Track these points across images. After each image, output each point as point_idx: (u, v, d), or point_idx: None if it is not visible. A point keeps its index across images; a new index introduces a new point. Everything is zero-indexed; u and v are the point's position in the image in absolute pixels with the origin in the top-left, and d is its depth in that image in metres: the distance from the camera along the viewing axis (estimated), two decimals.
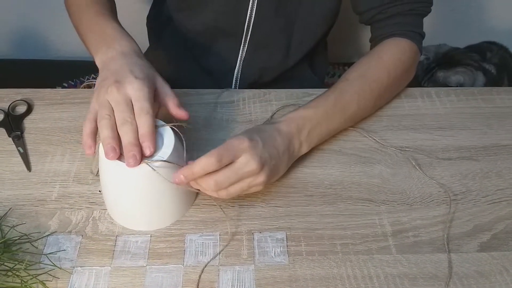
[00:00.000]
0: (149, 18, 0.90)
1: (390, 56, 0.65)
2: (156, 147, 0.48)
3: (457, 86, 1.21)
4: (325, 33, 0.81)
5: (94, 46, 0.58)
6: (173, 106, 0.52)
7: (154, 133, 0.48)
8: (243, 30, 0.73)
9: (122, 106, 0.49)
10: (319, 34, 0.78)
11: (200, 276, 0.48)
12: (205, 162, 0.47)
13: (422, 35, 0.69)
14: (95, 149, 0.49)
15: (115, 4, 0.70)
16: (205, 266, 0.49)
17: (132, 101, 0.49)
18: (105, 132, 0.48)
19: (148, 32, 0.91)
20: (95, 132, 0.50)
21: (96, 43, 0.58)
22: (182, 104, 0.53)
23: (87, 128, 0.50)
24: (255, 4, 0.70)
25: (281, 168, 0.54)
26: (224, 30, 0.74)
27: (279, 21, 0.73)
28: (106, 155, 0.47)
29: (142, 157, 0.47)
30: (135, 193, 0.49)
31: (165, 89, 0.53)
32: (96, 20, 0.61)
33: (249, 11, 0.71)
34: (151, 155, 0.48)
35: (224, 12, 0.72)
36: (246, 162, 0.49)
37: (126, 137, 0.47)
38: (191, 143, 0.55)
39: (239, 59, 0.77)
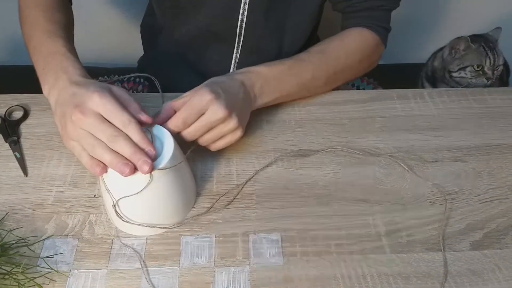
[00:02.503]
0: (143, 26, 0.91)
1: (351, 41, 0.71)
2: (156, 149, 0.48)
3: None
4: (315, 29, 0.84)
5: (42, 73, 0.56)
6: (135, 112, 0.50)
7: (146, 136, 0.47)
8: (236, 34, 0.74)
9: (99, 126, 0.47)
10: (309, 32, 0.80)
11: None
12: (172, 125, 0.52)
13: (387, 29, 0.75)
14: (103, 165, 0.47)
15: (71, 15, 0.69)
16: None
17: (104, 115, 0.47)
18: (106, 157, 0.46)
19: (142, 40, 0.91)
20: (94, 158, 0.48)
21: (44, 70, 0.56)
22: (142, 109, 0.51)
23: (85, 158, 0.48)
24: (246, 8, 0.71)
25: (246, 113, 0.59)
26: (217, 35, 0.75)
27: (270, 24, 0.74)
28: (122, 173, 0.45)
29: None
30: (139, 198, 0.49)
31: (124, 95, 0.51)
32: (46, 43, 0.58)
33: (240, 15, 0.72)
34: (155, 158, 0.47)
35: (216, 17, 0.73)
36: (213, 112, 0.53)
37: (126, 150, 0.46)
38: (186, 144, 0.55)
39: (233, 62, 0.78)
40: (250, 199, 0.56)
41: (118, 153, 0.46)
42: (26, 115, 0.65)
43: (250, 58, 0.77)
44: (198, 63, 0.79)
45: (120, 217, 0.50)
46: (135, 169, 0.46)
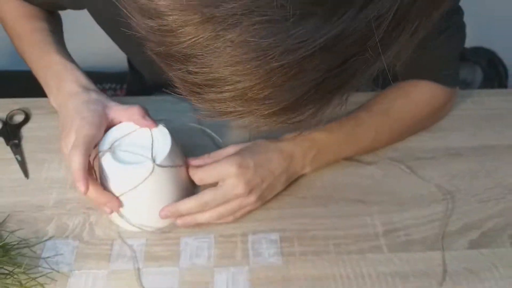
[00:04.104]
0: None
1: (419, 97, 0.62)
2: (156, 149, 0.50)
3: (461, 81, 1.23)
4: None
5: (45, 86, 0.58)
6: (138, 120, 0.51)
7: (81, 169, 0.46)
8: None
9: (70, 163, 0.48)
10: None
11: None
12: (191, 205, 0.51)
13: (458, 73, 0.64)
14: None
15: (57, 20, 0.68)
16: None
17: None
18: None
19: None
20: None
21: (46, 83, 0.57)
22: (147, 114, 0.52)
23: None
24: None
25: (277, 187, 0.55)
26: None
27: None
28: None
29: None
30: (135, 194, 0.50)
31: (122, 111, 0.52)
32: (39, 54, 0.59)
33: None
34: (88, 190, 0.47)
35: None
36: (233, 186, 0.51)
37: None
38: (189, 149, 0.56)
39: None
40: None
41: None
42: (27, 119, 0.66)
43: None
44: None
45: (120, 216, 0.51)
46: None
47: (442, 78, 0.62)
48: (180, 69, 0.29)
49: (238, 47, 0.26)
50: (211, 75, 0.28)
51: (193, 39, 0.26)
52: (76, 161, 0.46)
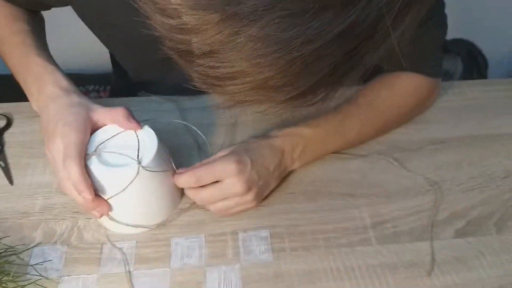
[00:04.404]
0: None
1: (403, 89, 0.63)
2: (143, 151, 0.49)
3: (444, 72, 1.25)
4: None
5: (26, 90, 0.57)
6: (123, 122, 0.50)
7: (82, 179, 0.46)
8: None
9: (53, 165, 0.49)
10: None
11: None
12: (184, 180, 0.51)
13: (441, 65, 0.65)
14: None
15: (39, 21, 0.66)
16: None
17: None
18: (71, 196, 0.48)
19: (110, 56, 0.87)
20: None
21: (27, 86, 0.56)
22: (130, 115, 0.51)
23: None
24: None
25: (271, 184, 0.56)
26: (188, 93, 0.70)
27: None
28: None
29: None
30: (123, 196, 0.49)
31: (105, 113, 0.51)
32: (20, 56, 0.58)
33: None
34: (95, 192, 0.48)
35: (184, 89, 0.70)
36: (232, 185, 0.51)
37: (72, 198, 0.48)
38: (175, 149, 0.55)
39: None
40: None
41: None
42: (9, 124, 0.65)
43: None
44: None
45: (110, 217, 0.50)
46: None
47: (425, 69, 0.63)
48: (200, 65, 0.29)
49: (259, 42, 0.27)
50: (232, 68, 0.28)
51: (214, 36, 0.27)
52: (75, 173, 0.46)
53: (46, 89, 0.53)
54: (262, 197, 0.55)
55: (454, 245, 0.53)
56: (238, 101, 0.32)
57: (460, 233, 0.54)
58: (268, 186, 0.55)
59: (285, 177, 0.59)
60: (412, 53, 0.59)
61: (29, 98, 0.57)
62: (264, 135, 0.57)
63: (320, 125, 0.58)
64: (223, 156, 0.52)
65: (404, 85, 0.63)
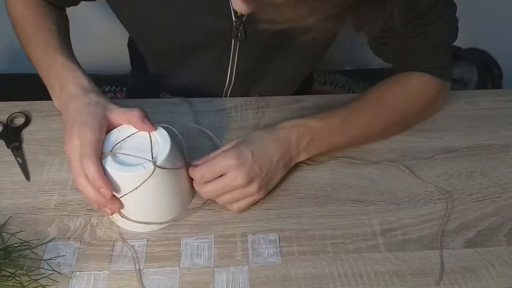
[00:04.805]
0: (129, 45, 0.90)
1: (410, 88, 0.64)
2: (157, 150, 0.50)
3: (459, 79, 1.25)
4: (310, 72, 0.80)
5: (49, 87, 0.58)
6: (137, 123, 0.51)
7: (99, 176, 0.47)
8: (222, 94, 0.74)
9: (71, 160, 0.49)
10: (302, 79, 0.78)
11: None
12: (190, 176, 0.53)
13: (450, 68, 0.66)
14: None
15: (64, 22, 0.69)
16: None
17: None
18: (85, 192, 0.49)
19: (130, 56, 0.90)
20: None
21: (49, 84, 0.58)
22: (145, 117, 0.52)
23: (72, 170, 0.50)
24: (234, 71, 0.70)
25: (276, 175, 0.56)
26: (200, 94, 0.72)
27: (259, 81, 0.74)
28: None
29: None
30: (136, 195, 0.50)
31: (121, 113, 0.52)
32: (44, 54, 0.60)
33: (227, 78, 0.71)
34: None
35: (200, 81, 0.72)
36: (234, 178, 0.52)
37: (87, 193, 0.49)
38: (190, 149, 0.56)
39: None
40: None
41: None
42: (27, 121, 0.67)
43: None
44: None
45: (120, 213, 0.51)
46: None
47: (433, 69, 0.64)
48: None
49: None
50: None
51: None
52: (92, 169, 0.47)
53: (67, 88, 0.55)
54: (268, 188, 0.56)
55: (463, 255, 0.52)
56: (284, 17, 0.34)
57: (470, 243, 0.53)
58: (273, 177, 0.56)
59: (294, 181, 0.59)
60: (420, 50, 0.63)
61: (52, 97, 0.59)
62: (271, 126, 0.58)
63: (327, 118, 0.59)
64: (225, 151, 0.54)
65: (411, 85, 0.64)
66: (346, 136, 0.61)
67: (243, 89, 0.75)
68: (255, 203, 0.56)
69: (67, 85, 0.55)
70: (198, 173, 0.53)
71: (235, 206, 0.54)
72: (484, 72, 1.22)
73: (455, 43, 0.66)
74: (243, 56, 0.68)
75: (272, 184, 0.56)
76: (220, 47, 0.67)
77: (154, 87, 0.79)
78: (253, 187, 0.53)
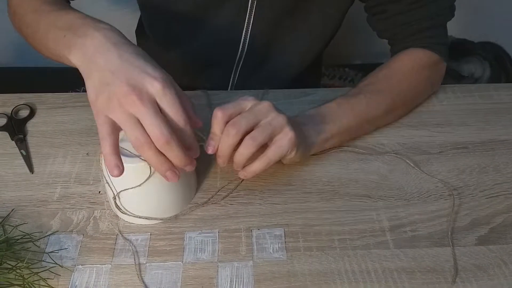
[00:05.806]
0: (137, 31, 0.87)
1: (401, 65, 0.64)
2: None
3: (468, 76, 1.23)
4: (321, 51, 0.79)
5: (63, 43, 0.46)
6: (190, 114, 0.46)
7: (196, 143, 0.46)
8: (235, 61, 0.72)
9: (154, 119, 0.41)
10: (317, 53, 0.77)
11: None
12: (234, 125, 0.49)
13: (445, 44, 0.66)
14: (122, 167, 0.44)
15: None
16: None
17: (162, 107, 0.42)
18: (154, 160, 0.43)
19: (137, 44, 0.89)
20: (117, 146, 0.44)
21: (65, 39, 0.46)
22: (195, 110, 0.48)
23: (107, 147, 0.43)
24: (248, 35, 0.68)
25: (304, 143, 0.54)
26: (213, 60, 0.70)
27: (273, 50, 0.72)
28: (168, 180, 0.45)
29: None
30: (142, 188, 0.49)
31: (182, 92, 0.45)
32: (56, 18, 0.50)
33: (241, 43, 0.69)
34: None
35: (213, 45, 0.70)
36: (274, 118, 0.49)
37: (177, 160, 0.44)
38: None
39: (230, 84, 0.77)
40: (254, 195, 0.56)
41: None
42: (32, 113, 0.66)
43: (248, 81, 0.75)
44: (192, 82, 0.72)
45: (119, 209, 0.50)
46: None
47: (429, 43, 0.64)
48: None
49: None
50: None
51: None
52: (189, 132, 0.44)
53: (99, 29, 0.45)
54: (299, 151, 0.53)
55: (475, 252, 0.51)
56: None
57: (482, 241, 0.52)
58: (303, 141, 0.54)
59: (301, 175, 0.58)
60: (416, 20, 0.64)
61: (68, 50, 0.46)
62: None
63: (322, 105, 0.60)
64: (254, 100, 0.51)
65: (402, 61, 0.65)
66: (351, 115, 0.59)
67: (254, 60, 0.73)
68: (260, 197, 0.55)
69: (99, 29, 0.45)
70: (241, 119, 0.48)
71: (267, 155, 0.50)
72: (498, 66, 1.19)
73: (468, 37, 0.65)
74: (259, 18, 0.67)
75: (303, 151, 0.54)
76: (237, 5, 0.66)
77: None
78: (291, 132, 0.50)
